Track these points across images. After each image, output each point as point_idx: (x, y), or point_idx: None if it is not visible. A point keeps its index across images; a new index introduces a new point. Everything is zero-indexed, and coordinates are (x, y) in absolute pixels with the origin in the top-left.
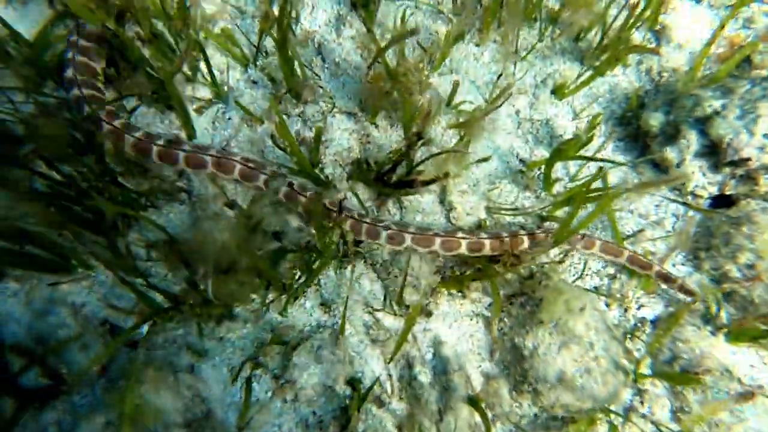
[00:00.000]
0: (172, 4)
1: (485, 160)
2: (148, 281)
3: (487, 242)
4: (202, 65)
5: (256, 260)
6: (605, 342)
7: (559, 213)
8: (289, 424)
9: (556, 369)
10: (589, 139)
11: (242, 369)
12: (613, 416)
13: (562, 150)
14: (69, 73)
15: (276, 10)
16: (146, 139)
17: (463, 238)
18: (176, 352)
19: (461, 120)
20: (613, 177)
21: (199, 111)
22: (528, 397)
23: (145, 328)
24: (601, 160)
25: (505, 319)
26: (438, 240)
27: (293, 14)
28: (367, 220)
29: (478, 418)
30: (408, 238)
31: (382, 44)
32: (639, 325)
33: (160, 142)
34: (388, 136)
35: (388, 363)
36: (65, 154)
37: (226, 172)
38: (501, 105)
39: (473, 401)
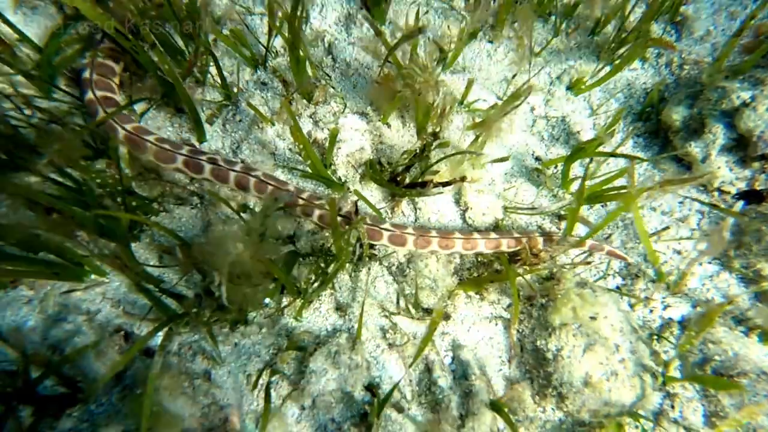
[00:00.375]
0: (180, 5)
1: (503, 160)
2: (161, 287)
3: (410, 238)
4: (212, 68)
5: (270, 265)
6: (631, 344)
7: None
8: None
9: (581, 372)
10: (610, 136)
11: (261, 376)
12: (642, 421)
13: (582, 149)
14: (86, 74)
15: (287, 8)
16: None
17: (386, 230)
18: (191, 359)
19: (476, 119)
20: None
21: (210, 120)
22: (552, 402)
23: (160, 334)
24: (622, 155)
25: (525, 322)
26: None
27: (303, 13)
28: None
29: (501, 423)
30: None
31: (393, 43)
32: (666, 326)
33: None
34: (401, 136)
35: (409, 367)
36: (78, 161)
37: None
38: (519, 105)
39: (496, 406)
